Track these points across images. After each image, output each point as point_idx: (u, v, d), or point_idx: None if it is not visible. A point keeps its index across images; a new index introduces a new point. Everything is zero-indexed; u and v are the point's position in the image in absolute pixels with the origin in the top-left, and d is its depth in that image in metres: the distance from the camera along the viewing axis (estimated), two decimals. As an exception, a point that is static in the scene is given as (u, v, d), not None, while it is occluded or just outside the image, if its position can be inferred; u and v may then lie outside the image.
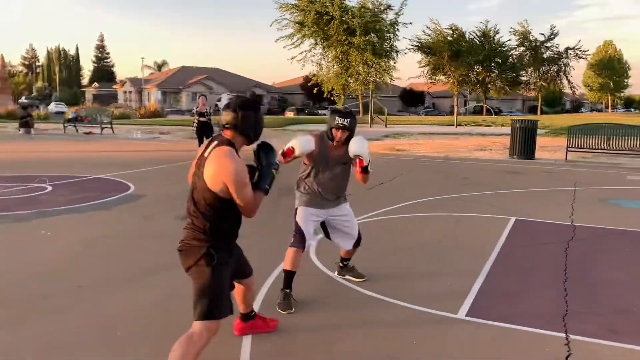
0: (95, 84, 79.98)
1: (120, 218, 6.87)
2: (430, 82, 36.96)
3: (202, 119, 13.41)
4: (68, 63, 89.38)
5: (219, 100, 62.76)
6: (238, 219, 2.95)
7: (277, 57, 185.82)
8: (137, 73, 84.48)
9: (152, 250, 5.37)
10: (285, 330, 3.60)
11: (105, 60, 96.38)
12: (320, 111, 53.30)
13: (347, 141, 4.10)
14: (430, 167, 12.57)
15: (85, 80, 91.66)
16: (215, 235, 2.84)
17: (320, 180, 4.21)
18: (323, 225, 4.36)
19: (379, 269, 4.89)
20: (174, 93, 64.57)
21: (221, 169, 2.73)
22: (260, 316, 3.62)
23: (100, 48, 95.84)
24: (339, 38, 27.40)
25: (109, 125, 21.43)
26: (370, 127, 30.51)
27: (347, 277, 4.66)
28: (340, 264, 4.71)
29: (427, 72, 35.96)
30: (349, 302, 4.17)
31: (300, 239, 4.13)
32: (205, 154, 2.83)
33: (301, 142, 4.03)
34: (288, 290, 4.06)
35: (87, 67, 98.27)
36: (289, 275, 4.09)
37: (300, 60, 29.31)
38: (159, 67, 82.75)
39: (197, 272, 2.81)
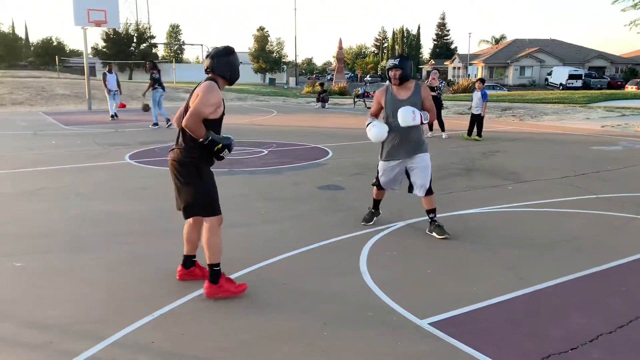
0: (431, 61, 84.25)
1: (278, 181, 8.00)
2: None
3: (432, 93, 13.12)
4: (410, 42, 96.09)
5: (549, 74, 58.92)
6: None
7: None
8: (473, 48, 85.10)
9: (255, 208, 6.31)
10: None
11: (445, 38, 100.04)
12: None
13: (402, 80, 4.95)
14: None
15: (427, 58, 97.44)
16: (201, 148, 3.59)
17: (391, 126, 5.03)
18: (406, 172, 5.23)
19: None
20: (502, 67, 63.08)
21: (199, 90, 3.58)
22: (198, 264, 4.07)
23: (441, 26, 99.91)
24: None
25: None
26: None
27: (433, 233, 5.12)
28: (428, 219, 5.21)
29: None
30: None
31: (378, 184, 5.42)
32: (195, 91, 3.63)
33: (376, 134, 5.09)
34: (373, 210, 5.58)
35: (427, 45, 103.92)
36: (374, 202, 5.57)
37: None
38: (497, 41, 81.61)
39: (187, 179, 3.63)
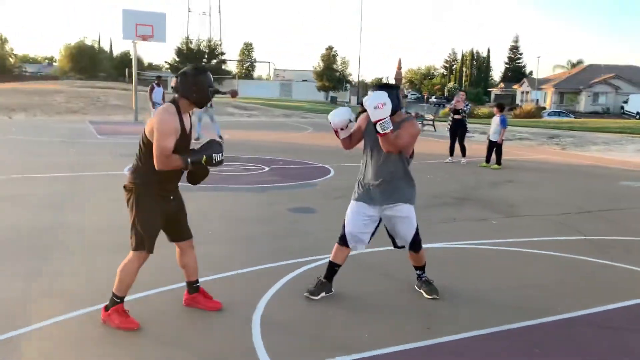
0: (501, 84, 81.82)
1: (254, 201, 7.77)
2: None
3: (456, 116, 12.25)
4: (479, 64, 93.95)
5: (625, 101, 55.45)
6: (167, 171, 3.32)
7: None
8: (547, 73, 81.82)
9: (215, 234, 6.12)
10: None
11: (517, 61, 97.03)
12: None
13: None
14: None
15: (496, 81, 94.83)
16: (146, 176, 3.36)
17: (368, 163, 4.02)
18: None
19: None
20: (573, 94, 60.15)
21: (154, 117, 3.32)
22: (204, 291, 3.85)
23: (514, 49, 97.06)
24: None
25: (431, 122, 22.36)
26: None
27: (421, 290, 4.25)
28: (416, 274, 4.31)
29: None
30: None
31: (342, 236, 4.06)
32: (150, 121, 3.41)
33: (333, 113, 3.95)
34: (324, 280, 4.14)
35: (498, 68, 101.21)
36: (329, 266, 4.16)
37: None
38: (573, 65, 78.26)
39: (129, 206, 3.42)
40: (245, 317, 3.74)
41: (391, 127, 3.64)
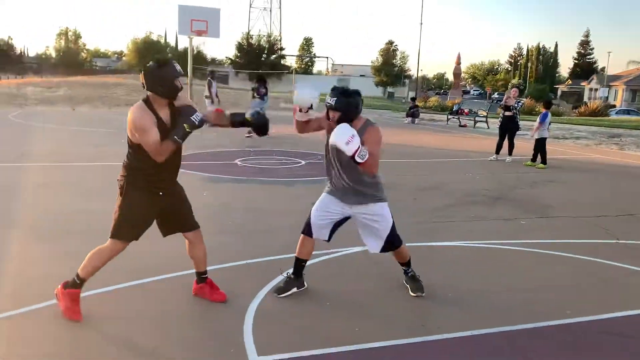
0: (568, 81, 78.46)
1: (281, 193, 7.84)
2: None
3: (507, 113, 11.72)
4: (546, 60, 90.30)
5: None
6: (156, 163, 3.38)
7: None
8: (621, 69, 77.43)
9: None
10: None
11: (587, 57, 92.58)
12: None
13: (343, 121, 3.61)
14: None
15: (564, 77, 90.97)
16: (133, 172, 3.49)
17: (332, 165, 3.91)
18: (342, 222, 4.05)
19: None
20: (647, 91, 56.83)
21: (129, 118, 3.40)
22: (211, 282, 3.92)
23: (584, 44, 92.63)
24: None
25: (484, 119, 21.70)
26: None
27: (407, 285, 4.20)
28: (402, 270, 4.28)
29: None
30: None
31: (307, 226, 4.03)
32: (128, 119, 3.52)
33: (299, 91, 3.87)
34: (292, 276, 4.12)
35: (567, 64, 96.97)
36: (295, 262, 4.12)
37: None
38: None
39: (118, 198, 3.56)
40: (242, 305, 3.80)
41: (367, 153, 3.52)
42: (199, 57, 77.08)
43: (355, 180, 3.83)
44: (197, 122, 3.39)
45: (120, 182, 3.52)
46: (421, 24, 48.26)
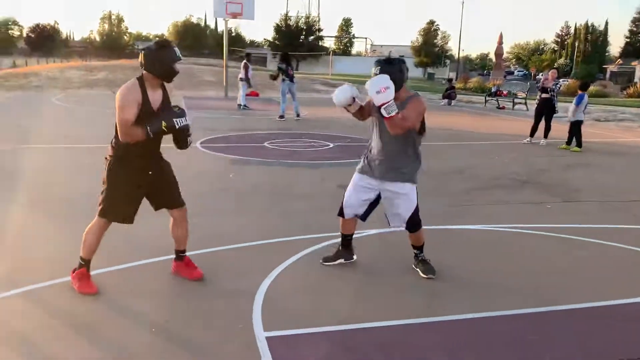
0: (619, 61, 75.32)
1: (306, 176, 7.93)
2: None
3: (544, 95, 11.42)
4: (594, 39, 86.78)
5: None
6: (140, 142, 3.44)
7: None
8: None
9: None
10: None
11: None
12: None
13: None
14: None
15: (614, 57, 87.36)
16: (117, 150, 3.60)
17: (373, 139, 4.04)
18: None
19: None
20: None
21: (116, 94, 3.54)
22: (188, 261, 3.99)
23: (637, 21, 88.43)
24: None
25: (523, 101, 21.13)
26: None
27: (417, 269, 4.23)
28: (414, 253, 4.34)
29: None
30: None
31: (340, 208, 4.21)
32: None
33: (336, 93, 3.92)
34: (340, 247, 4.35)
35: (618, 42, 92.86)
36: (341, 237, 4.34)
37: None
38: None
39: (103, 177, 3.69)
40: (255, 283, 3.90)
41: (396, 110, 3.57)
42: (238, 39, 77.67)
43: (397, 152, 3.91)
44: (177, 126, 3.44)
45: (107, 159, 3.59)
46: (463, 2, 47.26)
